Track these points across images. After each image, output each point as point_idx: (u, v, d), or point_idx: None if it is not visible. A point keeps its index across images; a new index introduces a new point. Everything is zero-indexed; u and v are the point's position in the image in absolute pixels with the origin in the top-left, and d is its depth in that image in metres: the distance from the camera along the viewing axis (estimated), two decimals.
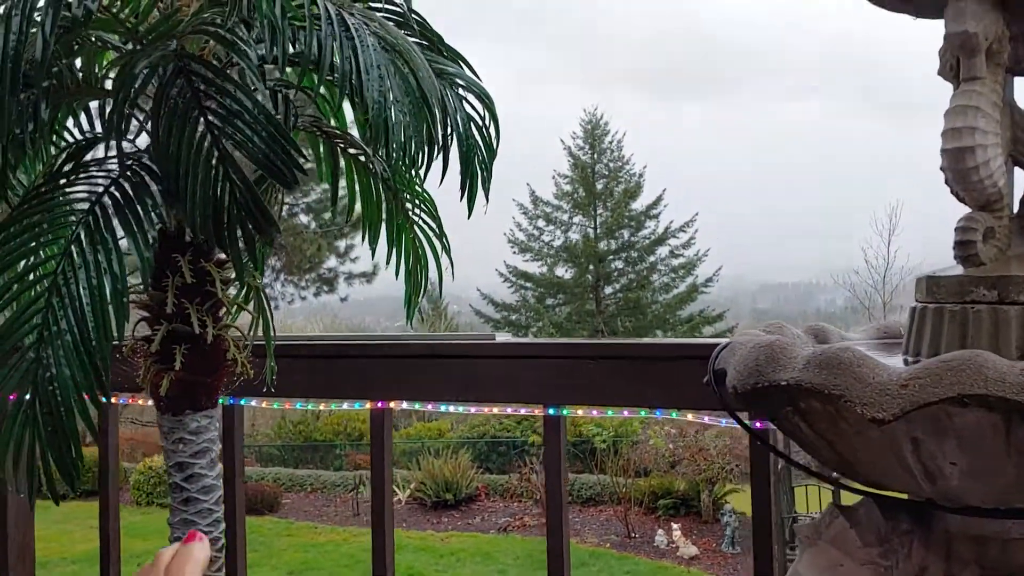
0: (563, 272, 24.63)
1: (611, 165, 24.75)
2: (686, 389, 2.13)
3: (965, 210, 1.37)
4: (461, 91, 1.79)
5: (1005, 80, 1.39)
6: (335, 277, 22.52)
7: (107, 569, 2.65)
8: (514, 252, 24.63)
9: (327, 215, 21.96)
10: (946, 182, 1.38)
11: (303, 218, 21.14)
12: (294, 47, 1.54)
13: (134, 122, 1.74)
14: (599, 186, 24.48)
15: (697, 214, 24.26)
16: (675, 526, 11.32)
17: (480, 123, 1.82)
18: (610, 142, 24.83)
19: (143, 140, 1.81)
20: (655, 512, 11.97)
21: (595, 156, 24.70)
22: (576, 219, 24.61)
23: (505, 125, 1.91)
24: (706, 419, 2.34)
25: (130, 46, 1.66)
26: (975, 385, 1.07)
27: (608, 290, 24.37)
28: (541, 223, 24.76)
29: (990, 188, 1.34)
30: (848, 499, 1.49)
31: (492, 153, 1.83)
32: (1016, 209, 1.40)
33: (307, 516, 12.79)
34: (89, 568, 9.20)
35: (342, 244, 22.55)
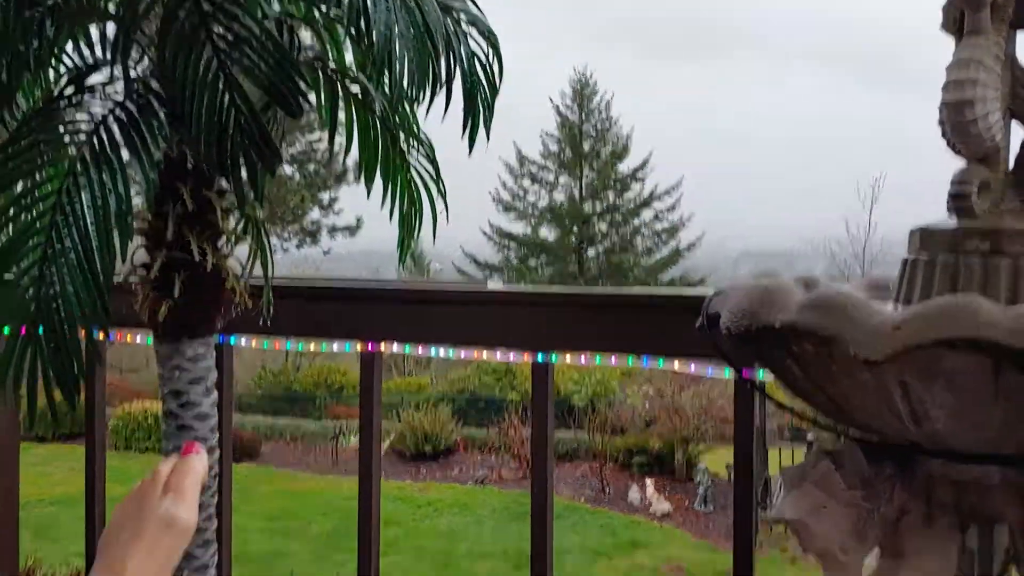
0: (547, 233, 24.60)
1: (599, 126, 24.62)
2: (675, 337, 2.15)
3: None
4: (465, 26, 1.78)
5: (1008, 35, 1.40)
6: (318, 229, 22.40)
7: (92, 507, 2.65)
8: (499, 210, 24.56)
9: (311, 166, 21.76)
10: (943, 135, 1.39)
11: (287, 168, 20.92)
12: None
13: (136, 50, 1.72)
14: (586, 147, 24.37)
15: (683, 178, 24.28)
16: (649, 482, 11.48)
17: (484, 60, 1.81)
18: (598, 102, 24.67)
19: (142, 74, 1.79)
20: (629, 469, 12.12)
21: (583, 116, 24.54)
22: (562, 179, 24.53)
23: None
24: (692, 368, 2.35)
25: None
26: (968, 328, 1.09)
27: (591, 252, 24.38)
28: (526, 182, 24.68)
29: (988, 141, 1.35)
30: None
31: (495, 90, 1.82)
32: (1011, 164, 1.42)
33: (286, 464, 12.85)
34: (68, 510, 9.23)
35: (326, 196, 22.40)
